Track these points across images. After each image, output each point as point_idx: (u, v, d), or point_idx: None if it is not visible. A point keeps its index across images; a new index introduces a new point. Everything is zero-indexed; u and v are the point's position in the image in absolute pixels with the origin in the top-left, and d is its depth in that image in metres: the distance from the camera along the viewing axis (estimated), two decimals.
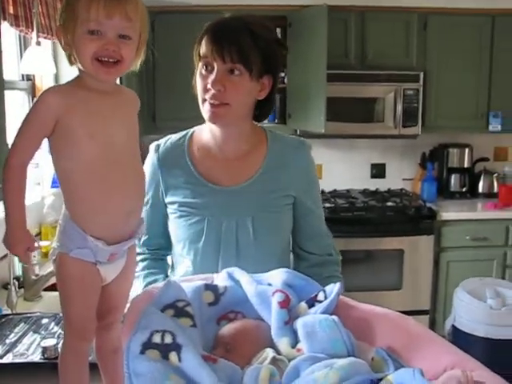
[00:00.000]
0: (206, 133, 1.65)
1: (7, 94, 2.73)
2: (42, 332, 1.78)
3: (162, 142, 1.70)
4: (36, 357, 1.60)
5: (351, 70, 3.98)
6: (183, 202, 1.61)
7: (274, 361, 1.08)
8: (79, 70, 1.19)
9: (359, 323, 1.18)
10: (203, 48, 1.51)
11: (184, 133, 1.71)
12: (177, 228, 1.64)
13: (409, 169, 4.57)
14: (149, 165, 1.67)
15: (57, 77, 3.04)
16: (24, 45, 2.97)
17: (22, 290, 2.30)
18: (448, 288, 4.00)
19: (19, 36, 2.96)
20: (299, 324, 1.15)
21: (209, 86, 1.49)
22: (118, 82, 1.27)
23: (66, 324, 1.25)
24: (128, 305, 1.21)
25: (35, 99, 1.15)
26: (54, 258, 1.22)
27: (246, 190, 1.60)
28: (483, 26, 4.10)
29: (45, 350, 1.59)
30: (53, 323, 1.84)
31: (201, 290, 1.25)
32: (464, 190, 4.41)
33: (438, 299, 4.05)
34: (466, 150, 4.39)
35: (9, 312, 2.05)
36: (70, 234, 1.20)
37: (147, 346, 0.97)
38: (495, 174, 4.44)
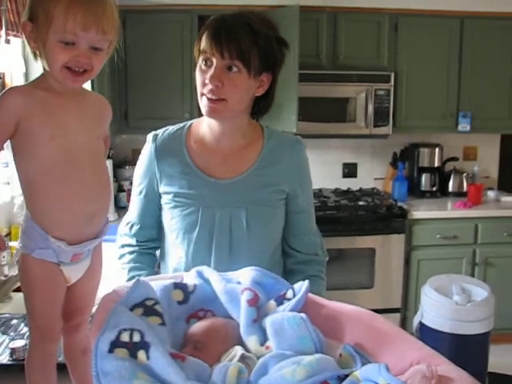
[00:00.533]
0: (203, 126, 1.68)
1: None
2: (11, 333, 1.76)
3: (159, 132, 1.72)
4: (4, 358, 1.59)
5: (323, 70, 4.01)
6: (178, 192, 1.64)
7: (242, 358, 1.08)
8: (44, 69, 1.19)
9: (328, 321, 1.19)
10: (203, 43, 1.52)
11: (182, 124, 1.73)
12: (171, 218, 1.65)
13: (380, 168, 4.62)
14: (145, 154, 1.70)
15: (27, 75, 3.00)
16: None
17: None
18: (419, 286, 4.03)
19: None
20: (268, 322, 1.15)
21: (207, 80, 1.51)
22: (89, 81, 1.27)
23: (31, 325, 1.24)
24: (96, 304, 1.20)
25: None
26: (17, 258, 1.21)
27: (240, 183, 1.63)
28: (453, 27, 4.17)
29: (13, 351, 1.58)
30: (22, 324, 1.83)
31: (170, 288, 1.24)
32: (434, 189, 4.47)
33: (408, 297, 4.10)
34: (437, 150, 4.45)
35: None
36: (32, 235, 1.20)
37: (115, 344, 0.97)
38: (464, 174, 4.51)
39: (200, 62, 1.54)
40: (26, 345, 1.57)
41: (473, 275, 4.03)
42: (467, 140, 4.64)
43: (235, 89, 1.52)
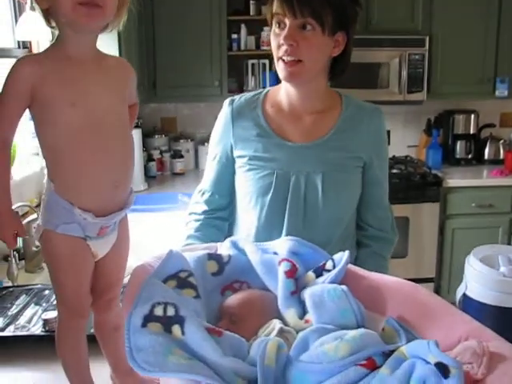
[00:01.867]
0: (281, 91, 1.66)
1: (3, 61, 2.67)
2: (44, 304, 1.75)
3: (236, 97, 1.72)
4: (37, 329, 1.57)
5: (355, 34, 3.87)
6: (253, 155, 1.63)
7: (281, 332, 1.04)
8: (58, 30, 1.13)
9: (369, 293, 1.14)
10: (275, 6, 1.51)
11: (259, 91, 1.73)
12: (245, 181, 1.65)
13: (413, 135, 4.52)
14: (221, 118, 1.71)
15: None
16: (19, 11, 2.89)
17: (23, 261, 2.27)
18: (453, 255, 3.99)
19: (13, 1, 2.88)
20: (307, 294, 1.10)
21: (281, 41, 1.49)
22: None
23: (59, 302, 1.21)
24: (128, 277, 1.16)
25: (10, 68, 1.09)
26: (39, 235, 1.17)
27: (317, 148, 1.60)
28: None
29: (46, 322, 1.56)
30: (54, 295, 1.81)
31: (204, 259, 1.20)
32: (470, 156, 4.36)
33: (443, 267, 4.04)
34: (472, 116, 4.33)
35: (10, 284, 2.02)
36: (55, 209, 1.15)
37: (149, 318, 0.93)
38: (501, 141, 4.38)
39: (273, 26, 1.53)
40: None
41: (509, 244, 3.93)
42: (504, 106, 4.49)
43: (311, 48, 1.50)
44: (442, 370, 0.83)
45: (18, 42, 2.93)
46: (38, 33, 2.61)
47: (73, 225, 1.15)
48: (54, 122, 1.10)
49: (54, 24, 1.13)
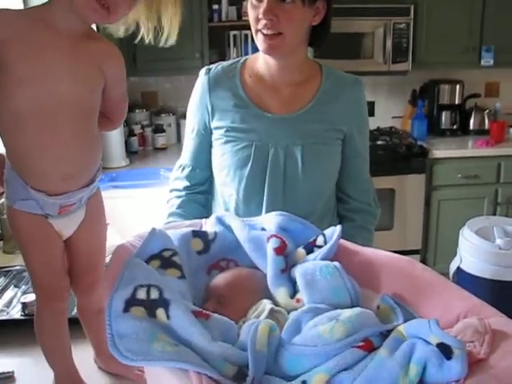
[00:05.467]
0: (259, 60, 1.61)
1: None
2: (23, 286, 1.69)
3: (212, 66, 1.66)
4: (16, 313, 1.52)
5: (338, 3, 3.78)
6: (231, 126, 1.58)
7: (271, 313, 0.99)
8: None
9: (362, 269, 1.09)
10: None
11: (236, 60, 1.68)
12: (222, 154, 1.59)
13: (398, 106, 4.47)
14: (198, 88, 1.65)
15: None
16: None
17: (1, 242, 2.20)
18: (439, 227, 3.98)
19: None
20: (298, 272, 1.05)
21: (260, 15, 1.44)
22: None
23: (34, 285, 1.17)
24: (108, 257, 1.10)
25: None
26: (5, 211, 1.12)
27: (296, 119, 1.56)
28: None
29: (25, 305, 1.50)
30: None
31: (188, 237, 1.14)
32: (455, 127, 4.32)
33: (429, 238, 4.03)
34: (457, 87, 4.27)
35: None
36: (13, 185, 1.10)
37: (131, 302, 0.87)
38: (486, 111, 4.33)
39: None
40: None
41: (494, 215, 3.92)
42: (489, 75, 4.44)
43: (291, 21, 1.44)
44: (445, 350, 0.79)
45: None
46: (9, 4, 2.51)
47: (30, 201, 1.09)
48: (4, 94, 1.02)
49: None
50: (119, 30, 1.15)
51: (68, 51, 1.06)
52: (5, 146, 1.09)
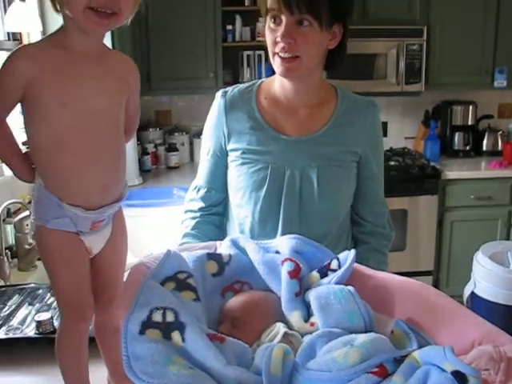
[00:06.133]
0: (275, 83, 1.63)
1: None
2: (37, 304, 1.70)
3: (229, 89, 1.67)
4: (31, 331, 1.53)
5: (352, 25, 3.80)
6: (247, 148, 1.58)
7: (285, 336, 0.99)
8: (64, 21, 1.07)
9: (376, 293, 1.09)
10: (269, 0, 1.46)
11: (252, 82, 1.69)
12: (238, 176, 1.60)
13: (411, 127, 4.48)
14: (214, 111, 1.66)
15: (44, 34, 2.89)
16: (7, 1, 2.81)
17: (16, 260, 2.22)
18: (452, 248, 3.96)
19: None
20: (312, 295, 1.05)
21: (278, 39, 1.45)
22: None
23: (61, 303, 1.17)
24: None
25: (6, 58, 1.04)
26: (33, 232, 1.13)
27: (312, 141, 1.57)
28: None
29: (39, 324, 1.51)
30: (48, 294, 1.76)
31: (203, 259, 1.15)
32: (468, 148, 4.31)
33: (441, 260, 4.00)
34: (470, 107, 4.27)
35: (2, 284, 1.97)
36: (45, 204, 1.11)
37: (147, 325, 0.88)
38: (500, 132, 4.34)
39: (268, 21, 1.48)
40: (51, 317, 1.51)
41: (508, 237, 3.90)
42: (503, 97, 4.44)
43: (308, 44, 1.45)
44: (460, 378, 0.79)
45: (8, 33, 2.86)
46: (29, 24, 2.55)
47: (64, 219, 1.11)
48: (42, 119, 1.06)
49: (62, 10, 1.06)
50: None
51: (94, 69, 1.10)
52: (39, 166, 1.11)
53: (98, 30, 1.07)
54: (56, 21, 1.09)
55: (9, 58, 1.04)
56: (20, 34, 2.91)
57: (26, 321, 1.59)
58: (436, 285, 3.94)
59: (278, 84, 1.60)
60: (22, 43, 2.89)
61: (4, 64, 1.04)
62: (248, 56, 3.98)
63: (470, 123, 4.29)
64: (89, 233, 1.14)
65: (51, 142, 1.06)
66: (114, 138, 1.14)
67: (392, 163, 3.93)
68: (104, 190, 1.13)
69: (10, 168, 1.14)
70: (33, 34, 2.88)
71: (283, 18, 1.43)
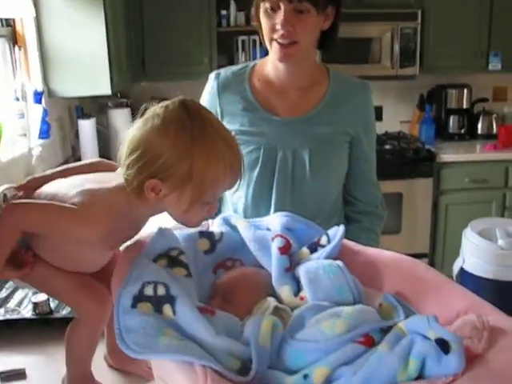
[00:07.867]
0: (267, 65, 1.64)
1: None
2: None
3: (222, 70, 1.69)
4: (27, 312, 1.55)
5: (346, 8, 3.78)
6: (240, 129, 1.59)
7: (276, 310, 1.01)
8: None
9: (365, 268, 1.11)
10: None
11: (245, 64, 1.71)
12: None
13: (406, 111, 4.49)
14: (207, 92, 1.68)
15: (38, 21, 2.88)
16: None
17: None
18: (447, 231, 3.98)
19: None
20: (301, 270, 1.08)
21: (277, 26, 1.47)
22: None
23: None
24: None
25: None
26: None
27: (304, 122, 1.59)
28: None
29: (36, 305, 1.53)
30: None
31: (195, 237, 1.17)
32: (463, 131, 4.33)
33: (436, 242, 4.04)
34: (465, 91, 4.29)
35: None
36: None
37: (139, 299, 0.90)
38: (494, 115, 4.35)
39: (266, 7, 1.49)
40: (48, 299, 1.53)
41: None
42: (497, 80, 4.45)
43: (306, 30, 1.48)
44: (443, 345, 0.81)
45: (1, 19, 2.85)
46: (22, 10, 2.54)
47: None
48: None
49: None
50: None
51: None
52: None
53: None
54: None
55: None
56: (13, 20, 2.90)
57: (22, 302, 1.60)
58: (432, 267, 3.96)
59: (272, 66, 1.61)
60: (15, 29, 2.89)
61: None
62: (243, 41, 3.98)
63: (464, 106, 4.30)
64: None
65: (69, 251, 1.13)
66: None
67: (387, 147, 3.95)
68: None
69: None
70: (26, 21, 2.87)
71: (281, 5, 1.44)
